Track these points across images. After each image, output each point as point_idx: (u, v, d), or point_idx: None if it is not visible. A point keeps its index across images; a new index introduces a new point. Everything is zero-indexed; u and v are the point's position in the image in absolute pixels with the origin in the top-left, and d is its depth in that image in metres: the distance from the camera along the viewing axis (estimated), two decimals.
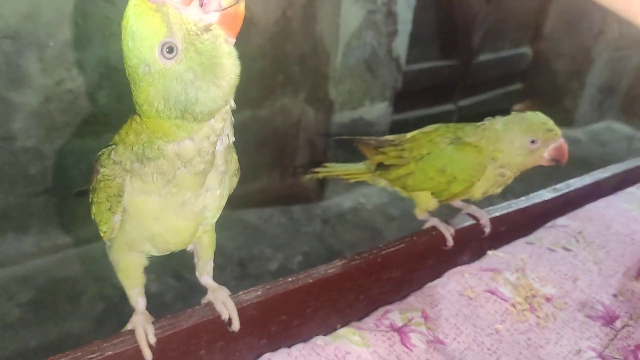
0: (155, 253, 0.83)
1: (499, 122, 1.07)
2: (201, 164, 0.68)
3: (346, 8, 2.79)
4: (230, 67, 0.62)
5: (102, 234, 0.79)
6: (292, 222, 3.05)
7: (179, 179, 0.70)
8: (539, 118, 1.04)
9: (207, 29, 0.60)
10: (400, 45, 3.13)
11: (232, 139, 0.72)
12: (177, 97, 0.62)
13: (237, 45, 0.64)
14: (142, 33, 0.59)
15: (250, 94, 2.92)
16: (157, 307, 0.90)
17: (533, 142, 1.03)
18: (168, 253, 0.83)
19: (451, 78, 3.89)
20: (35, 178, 2.39)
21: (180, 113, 0.63)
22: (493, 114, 1.10)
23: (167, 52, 0.59)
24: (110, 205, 0.74)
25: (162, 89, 0.61)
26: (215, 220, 0.81)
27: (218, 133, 0.68)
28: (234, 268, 2.62)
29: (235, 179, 0.81)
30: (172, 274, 2.38)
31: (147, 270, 0.87)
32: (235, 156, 0.79)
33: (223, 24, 0.60)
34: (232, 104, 0.68)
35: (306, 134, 3.22)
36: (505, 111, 1.12)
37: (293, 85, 3.10)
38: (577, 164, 1.49)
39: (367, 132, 3.22)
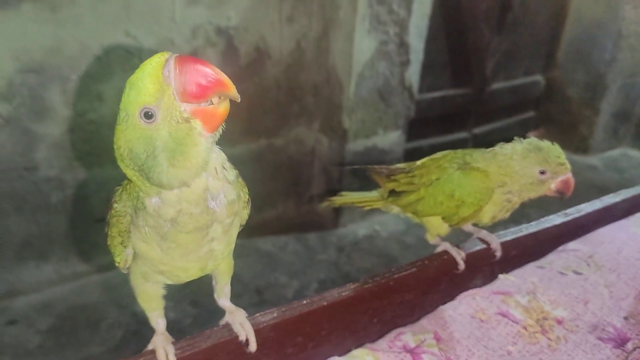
0: (170, 282, 0.86)
1: (511, 147, 1.10)
2: (190, 224, 0.71)
3: (359, 39, 2.85)
4: (192, 157, 0.67)
5: (117, 264, 0.83)
6: (308, 250, 3.07)
7: (171, 236, 0.73)
8: (553, 151, 1.06)
9: (186, 120, 0.65)
10: (413, 74, 3.18)
11: (232, 197, 0.73)
12: (138, 154, 0.67)
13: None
14: (139, 88, 0.64)
15: (265, 124, 2.98)
16: (175, 333, 0.92)
17: (543, 172, 1.06)
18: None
19: (464, 106, 3.93)
20: (57, 207, 2.45)
21: (137, 168, 0.68)
22: (507, 141, 1.13)
23: (146, 116, 0.65)
24: (122, 240, 0.78)
25: (130, 141, 0.67)
26: (227, 253, 0.84)
27: (201, 197, 0.70)
28: (251, 295, 2.64)
29: (246, 212, 0.83)
30: (189, 301, 2.41)
31: (165, 297, 0.90)
32: (244, 190, 0.81)
33: (201, 119, 0.66)
34: (230, 175, 0.73)
35: (320, 163, 3.26)
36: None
37: (307, 115, 3.15)
38: (595, 190, 1.51)
39: (381, 160, 3.25)
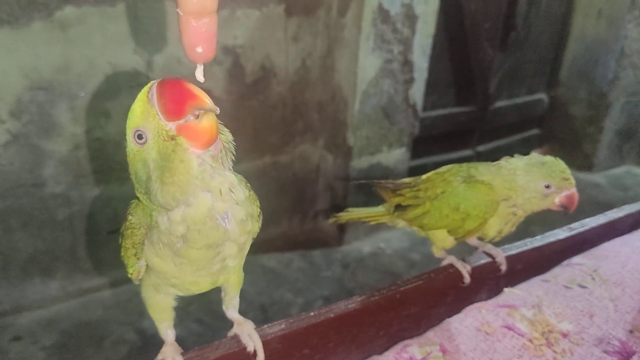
0: (181, 294, 0.87)
1: (517, 162, 1.12)
2: (200, 241, 0.73)
3: (363, 57, 2.89)
4: (180, 173, 0.69)
5: (129, 275, 0.84)
6: (312, 267, 3.07)
7: (183, 252, 0.74)
8: (558, 166, 1.08)
9: (172, 137, 0.68)
10: (417, 92, 3.21)
11: (241, 217, 0.75)
12: (140, 176, 0.71)
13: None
14: (132, 114, 0.70)
15: (270, 141, 3.00)
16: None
17: (548, 187, 1.07)
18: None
19: (468, 124, 3.95)
20: (63, 223, 2.47)
21: (143, 190, 0.72)
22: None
23: (138, 137, 0.69)
24: (136, 252, 0.79)
25: (133, 164, 0.72)
26: (238, 267, 0.85)
27: (206, 216, 0.72)
28: (255, 312, 2.64)
29: (258, 225, 0.84)
30: (194, 319, 2.41)
31: (175, 308, 0.91)
32: (256, 204, 0.83)
33: (185, 135, 0.68)
34: (239, 196, 0.74)
35: (325, 179, 3.28)
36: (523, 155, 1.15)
37: (312, 132, 3.18)
38: (599, 208, 1.52)
39: (386, 177, 3.27)
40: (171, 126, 0.68)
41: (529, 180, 1.06)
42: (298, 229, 3.36)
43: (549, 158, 1.09)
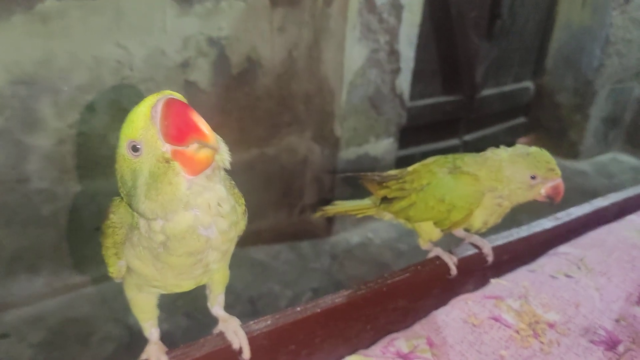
0: (164, 292, 0.86)
1: (502, 152, 1.11)
2: (180, 249, 0.72)
3: (350, 47, 2.87)
4: (165, 194, 0.68)
5: (110, 274, 0.83)
6: (301, 259, 3.07)
7: (163, 257, 0.73)
8: (543, 156, 1.07)
9: (166, 160, 0.67)
10: (404, 82, 3.20)
11: (224, 228, 0.74)
12: (126, 181, 0.70)
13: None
14: (131, 122, 0.68)
15: (257, 133, 2.98)
16: (168, 345, 0.92)
17: (533, 177, 1.06)
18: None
19: (455, 113, 3.95)
20: (48, 219, 2.44)
21: (125, 193, 0.72)
22: (498, 147, 1.14)
23: (132, 149, 0.68)
24: (117, 252, 0.78)
25: (121, 167, 0.71)
26: (222, 266, 0.83)
27: (186, 231, 0.71)
28: (244, 305, 2.63)
29: (243, 222, 0.84)
30: (183, 313, 2.40)
31: (158, 308, 0.90)
32: (241, 201, 0.82)
33: (180, 161, 0.67)
34: (225, 209, 0.73)
35: (313, 171, 3.27)
36: (509, 145, 1.15)
37: (299, 124, 3.16)
38: (585, 195, 1.53)
39: (373, 167, 3.26)
40: (168, 148, 0.67)
41: (515, 171, 1.06)
42: (286, 220, 3.35)
43: (534, 149, 1.08)
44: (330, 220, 3.21)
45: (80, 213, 2.49)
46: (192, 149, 0.66)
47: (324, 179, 3.23)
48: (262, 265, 2.96)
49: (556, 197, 1.08)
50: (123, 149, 0.69)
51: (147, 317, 0.88)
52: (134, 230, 0.74)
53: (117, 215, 0.78)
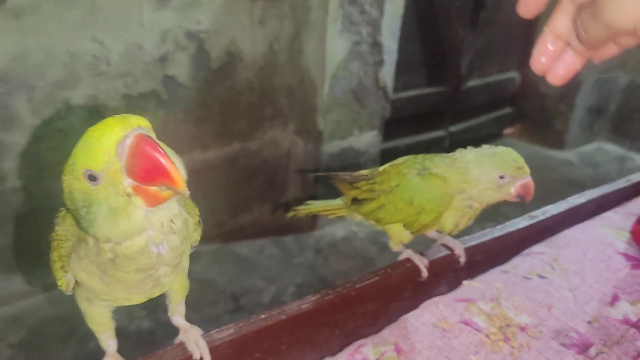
0: (115, 305, 0.83)
1: (469, 153, 1.08)
2: (130, 266, 0.69)
3: (331, 40, 2.84)
4: (122, 225, 0.65)
5: (59, 287, 0.80)
6: (285, 254, 3.05)
7: (111, 273, 0.70)
8: (510, 155, 1.05)
9: (128, 194, 0.63)
10: (387, 74, 3.17)
11: (176, 245, 0.71)
12: (73, 199, 0.65)
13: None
14: (91, 150, 0.62)
15: (239, 127, 2.95)
16: (149, 344, 0.90)
17: (502, 177, 1.04)
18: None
19: (440, 104, 3.93)
20: (25, 218, 2.41)
21: (74, 211, 0.67)
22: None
23: (89, 178, 0.63)
24: (62, 265, 0.75)
25: (71, 185, 0.65)
26: (176, 278, 0.81)
27: (136, 253, 0.68)
28: (226, 302, 2.61)
29: (197, 233, 0.81)
30: (164, 310, 2.37)
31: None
32: (194, 212, 0.79)
33: (143, 197, 0.64)
34: (177, 225, 0.70)
35: (296, 165, 3.25)
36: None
37: (282, 117, 3.13)
38: (571, 185, 1.52)
39: (357, 160, 3.24)
40: (130, 183, 0.63)
41: (482, 172, 1.04)
42: (270, 215, 3.33)
43: (501, 148, 1.06)
44: (314, 215, 3.19)
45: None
46: (156, 188, 0.63)
47: (307, 173, 3.21)
48: (246, 260, 2.95)
49: (527, 196, 1.06)
50: (78, 173, 0.63)
51: (102, 329, 0.86)
52: (80, 243, 0.72)
53: (63, 227, 0.75)
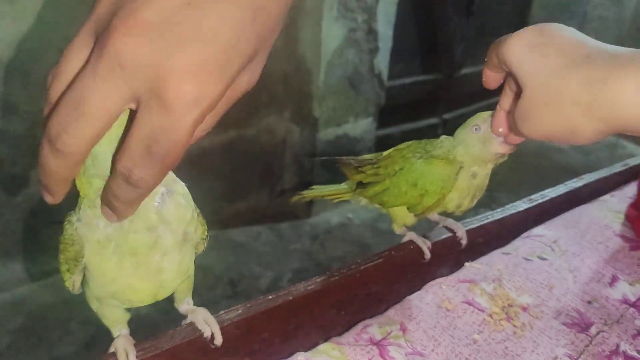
0: (126, 306, 0.84)
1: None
2: (138, 223, 0.70)
3: (327, 27, 2.84)
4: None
5: (66, 287, 0.80)
6: (281, 240, 3.07)
7: (121, 238, 0.71)
8: (483, 113, 1.06)
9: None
10: (382, 61, 3.18)
11: (179, 201, 0.72)
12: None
13: None
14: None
15: (235, 114, 2.94)
16: (149, 328, 0.91)
17: (476, 129, 1.05)
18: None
19: (434, 92, 3.94)
20: (22, 205, 2.41)
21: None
22: None
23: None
24: (69, 267, 0.75)
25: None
26: (178, 282, 0.81)
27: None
28: (224, 287, 2.63)
29: (202, 247, 0.82)
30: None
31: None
32: (204, 227, 0.79)
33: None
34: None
35: (292, 152, 3.25)
36: None
37: (278, 104, 3.13)
38: (564, 172, 1.54)
39: (353, 147, 3.26)
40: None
41: (463, 136, 1.06)
42: (266, 202, 3.34)
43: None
44: (310, 201, 3.21)
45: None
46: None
47: (303, 161, 3.22)
48: (242, 247, 2.96)
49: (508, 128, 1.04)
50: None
51: (115, 323, 0.86)
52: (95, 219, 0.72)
53: (70, 231, 0.75)
